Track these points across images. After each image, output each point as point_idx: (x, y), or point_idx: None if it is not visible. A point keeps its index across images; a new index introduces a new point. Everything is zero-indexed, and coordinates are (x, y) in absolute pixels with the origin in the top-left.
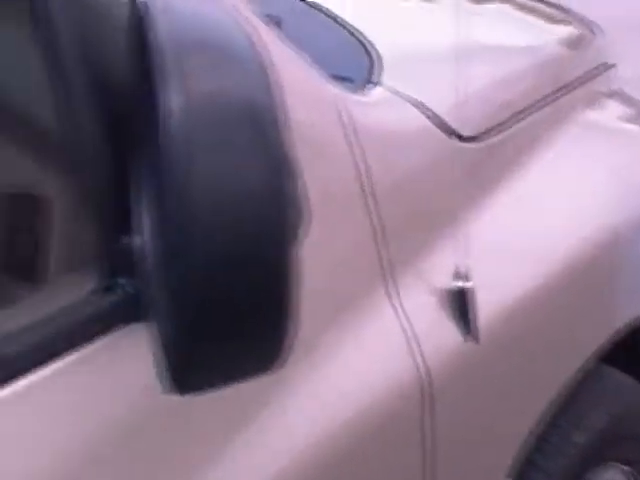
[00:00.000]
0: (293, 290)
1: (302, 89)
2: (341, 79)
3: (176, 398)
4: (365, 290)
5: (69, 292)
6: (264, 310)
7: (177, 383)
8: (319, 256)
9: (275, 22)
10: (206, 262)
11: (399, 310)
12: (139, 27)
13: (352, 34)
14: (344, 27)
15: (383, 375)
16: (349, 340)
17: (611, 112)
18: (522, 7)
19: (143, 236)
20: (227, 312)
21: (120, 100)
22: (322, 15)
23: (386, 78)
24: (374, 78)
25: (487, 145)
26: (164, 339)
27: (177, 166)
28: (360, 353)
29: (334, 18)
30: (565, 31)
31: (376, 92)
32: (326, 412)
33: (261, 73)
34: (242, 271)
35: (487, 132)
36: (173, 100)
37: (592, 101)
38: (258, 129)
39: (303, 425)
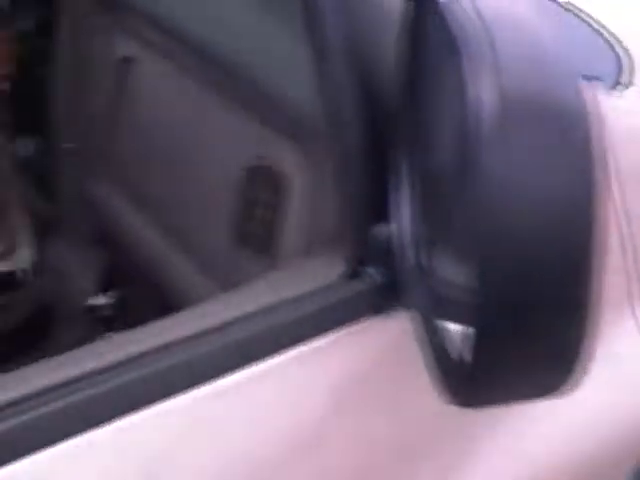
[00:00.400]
0: (593, 307)
1: None
2: (589, 80)
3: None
4: (612, 311)
5: (314, 276)
6: (562, 324)
7: (454, 393)
8: None
9: None
10: (506, 267)
11: None
12: (419, 19)
13: (597, 31)
14: (587, 23)
15: (631, 401)
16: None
17: None
18: None
19: (401, 227)
20: (519, 322)
21: (384, 91)
22: (561, 9)
23: (638, 80)
24: (624, 79)
25: None
26: (436, 342)
27: (485, 163)
28: (606, 376)
29: (575, 13)
30: None
31: (628, 95)
32: (571, 434)
33: (572, 73)
34: (543, 280)
35: None
36: (486, 96)
37: None
38: (571, 134)
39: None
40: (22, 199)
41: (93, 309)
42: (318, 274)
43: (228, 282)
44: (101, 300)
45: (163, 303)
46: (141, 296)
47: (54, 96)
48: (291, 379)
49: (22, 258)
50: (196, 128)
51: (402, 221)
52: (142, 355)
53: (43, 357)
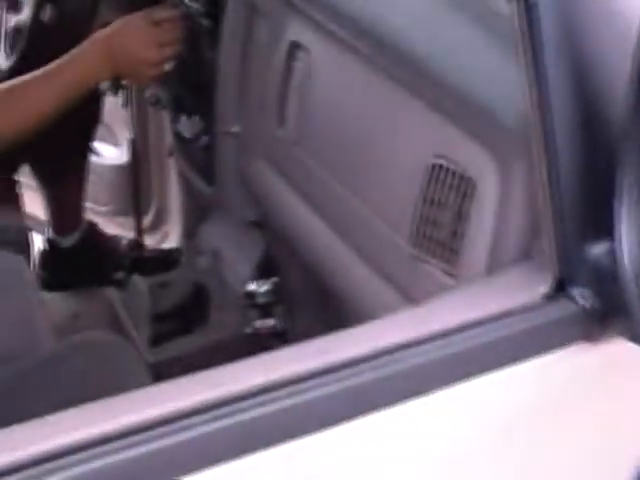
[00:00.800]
0: None
1: None
2: None
3: None
4: None
5: (511, 294)
6: None
7: None
8: None
9: None
10: None
11: None
12: None
13: None
14: None
15: None
16: None
17: None
18: None
19: (623, 248)
20: None
21: (609, 103)
22: None
23: None
24: None
25: None
26: None
27: None
28: None
29: None
30: None
31: None
32: None
33: None
34: None
35: None
36: None
37: None
38: None
39: None
40: (179, 178)
41: (251, 295)
42: (516, 292)
43: (398, 281)
44: (260, 287)
45: (323, 295)
46: (299, 285)
47: (219, 78)
48: (485, 406)
49: (172, 235)
50: (373, 120)
51: (625, 241)
52: (332, 369)
53: (203, 339)
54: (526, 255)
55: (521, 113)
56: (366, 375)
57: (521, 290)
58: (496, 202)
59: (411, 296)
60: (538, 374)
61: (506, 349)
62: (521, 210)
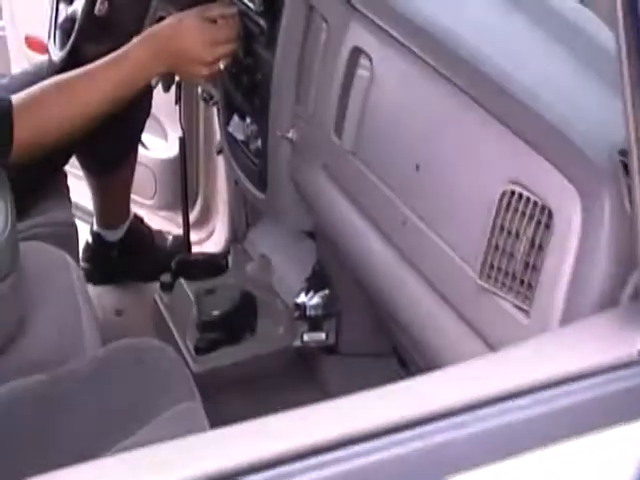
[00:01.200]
0: None
1: None
2: None
3: None
4: None
5: (601, 347)
6: None
7: None
8: None
9: None
10: None
11: None
12: None
13: None
14: None
15: None
16: None
17: None
18: None
19: None
20: None
21: None
22: None
23: None
24: None
25: None
26: None
27: None
28: None
29: None
30: None
31: None
32: None
33: None
34: None
35: None
36: None
37: None
38: None
39: None
40: (228, 179)
41: (300, 307)
42: (606, 345)
43: (463, 312)
44: (311, 299)
45: (376, 312)
46: (351, 300)
47: (275, 80)
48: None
49: (218, 233)
50: (441, 137)
51: None
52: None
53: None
54: (612, 300)
55: (609, 146)
56: (451, 432)
57: (612, 343)
58: (577, 237)
59: (478, 328)
60: (633, 441)
61: (595, 412)
62: (607, 250)
